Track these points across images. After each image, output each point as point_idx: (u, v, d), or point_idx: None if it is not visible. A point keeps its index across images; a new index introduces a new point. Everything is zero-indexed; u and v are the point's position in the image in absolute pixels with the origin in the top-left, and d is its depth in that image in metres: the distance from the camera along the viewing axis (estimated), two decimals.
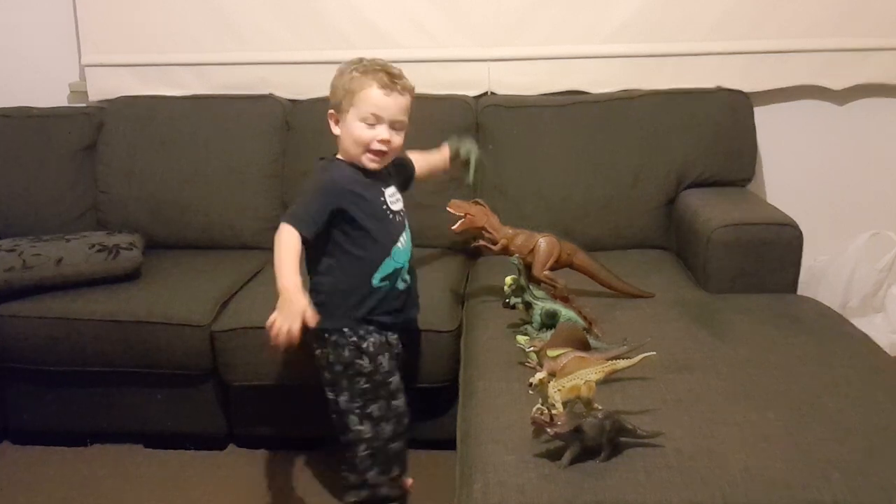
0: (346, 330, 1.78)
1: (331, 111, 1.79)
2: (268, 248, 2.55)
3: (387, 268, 1.79)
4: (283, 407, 2.23)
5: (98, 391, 2.28)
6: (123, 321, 2.15)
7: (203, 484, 2.16)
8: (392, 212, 1.81)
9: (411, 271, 1.88)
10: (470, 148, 2.04)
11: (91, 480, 2.19)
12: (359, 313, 1.78)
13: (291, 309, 1.59)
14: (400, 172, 1.92)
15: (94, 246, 2.29)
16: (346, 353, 1.78)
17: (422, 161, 2.00)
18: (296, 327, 1.57)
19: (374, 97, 1.71)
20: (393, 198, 1.83)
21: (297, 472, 2.18)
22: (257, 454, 2.28)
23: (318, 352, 1.83)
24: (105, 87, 2.84)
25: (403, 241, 1.83)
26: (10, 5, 2.87)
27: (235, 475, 2.19)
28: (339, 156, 1.81)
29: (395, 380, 1.83)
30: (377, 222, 1.77)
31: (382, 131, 1.73)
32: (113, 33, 2.80)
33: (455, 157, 2.04)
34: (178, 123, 2.69)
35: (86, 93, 2.87)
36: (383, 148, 1.74)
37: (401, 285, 1.83)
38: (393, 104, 1.73)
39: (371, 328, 1.79)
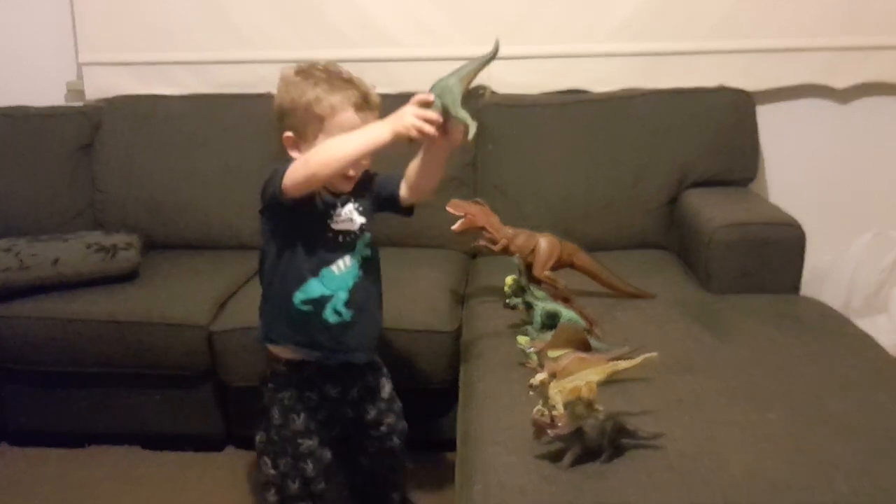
0: (269, 372, 1.65)
1: (288, 134, 1.54)
2: None
3: (311, 290, 1.55)
4: None
5: (96, 392, 2.27)
6: (121, 321, 2.15)
7: (201, 485, 2.15)
8: (334, 231, 1.57)
9: (361, 308, 1.60)
10: (451, 97, 1.46)
11: (89, 481, 2.18)
12: (279, 330, 1.61)
13: (399, 113, 1.41)
14: (379, 189, 1.66)
15: (91, 246, 2.28)
16: (266, 395, 1.66)
17: (412, 167, 1.63)
18: (414, 114, 1.40)
19: (349, 122, 1.49)
20: (346, 215, 1.59)
21: None
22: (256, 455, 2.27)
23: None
24: (103, 85, 2.83)
25: (342, 266, 1.58)
26: (8, 4, 2.87)
27: (234, 476, 2.18)
28: None
29: (309, 444, 1.65)
30: (309, 234, 1.56)
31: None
32: (111, 32, 2.79)
33: (446, 118, 1.48)
34: (176, 122, 2.68)
35: (83, 91, 2.87)
36: (353, 173, 1.55)
37: (331, 317, 1.57)
38: (367, 123, 1.49)
39: (292, 379, 1.62)
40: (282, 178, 1.45)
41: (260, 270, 1.64)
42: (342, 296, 1.57)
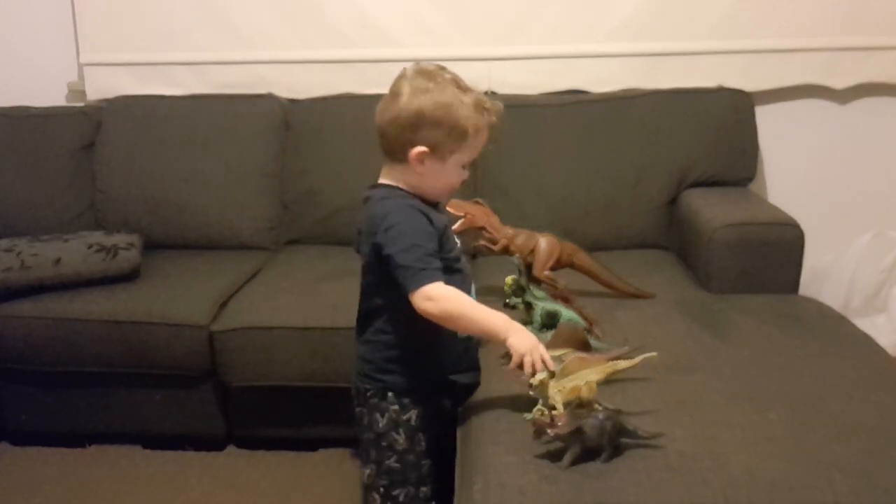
0: (389, 395, 1.51)
1: (423, 149, 1.41)
2: (266, 248, 2.60)
3: None
4: (282, 408, 2.23)
5: (96, 392, 2.27)
6: (122, 321, 2.15)
7: (202, 485, 2.15)
8: (458, 259, 1.55)
9: None
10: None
11: (89, 481, 2.18)
12: (433, 374, 1.54)
13: (526, 335, 1.37)
14: None
15: (92, 246, 2.28)
16: (383, 421, 1.52)
17: None
18: (539, 350, 1.36)
19: (482, 141, 1.46)
20: (454, 241, 1.56)
21: (295, 473, 2.18)
22: (256, 455, 2.27)
23: (357, 410, 1.58)
24: (103, 86, 2.84)
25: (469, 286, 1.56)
26: (9, 5, 2.87)
27: (234, 476, 2.19)
28: (401, 185, 1.48)
29: (429, 464, 1.55)
30: (460, 261, 1.53)
31: (466, 172, 1.50)
32: (111, 32, 2.80)
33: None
34: (176, 123, 2.68)
35: (84, 92, 2.87)
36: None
37: (475, 336, 1.57)
38: None
39: (410, 400, 1.52)
40: (414, 287, 1.37)
41: (366, 312, 1.54)
42: None
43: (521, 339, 1.36)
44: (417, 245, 1.39)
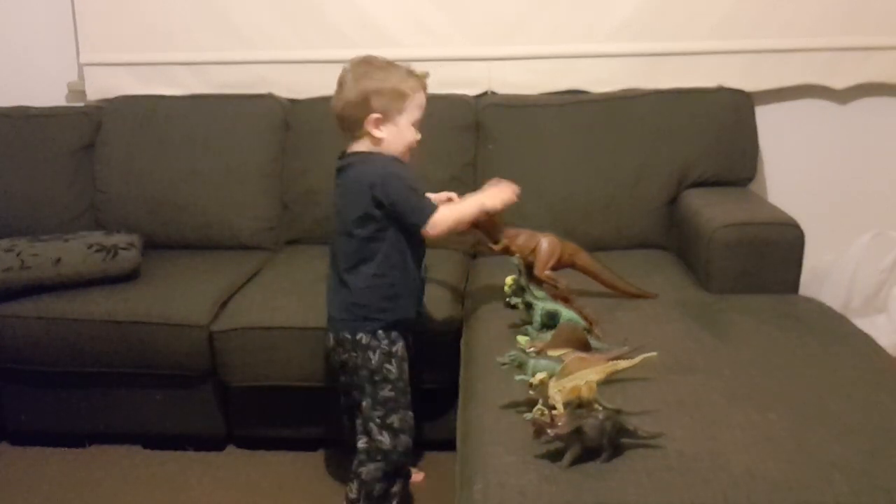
0: (380, 332, 1.77)
1: (376, 115, 1.73)
2: (266, 248, 2.60)
3: (422, 254, 1.84)
4: (282, 408, 2.23)
5: (97, 392, 2.27)
6: (122, 321, 2.15)
7: (202, 485, 2.16)
8: None
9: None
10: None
11: (89, 481, 2.18)
12: (414, 308, 1.83)
13: (493, 191, 1.82)
14: None
15: (92, 246, 2.28)
16: (376, 357, 1.78)
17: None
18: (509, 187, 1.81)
19: (422, 102, 1.77)
20: None
21: (296, 472, 2.18)
22: (256, 455, 2.28)
23: (343, 358, 1.82)
24: (103, 86, 2.84)
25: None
26: (9, 4, 2.87)
27: (234, 476, 2.19)
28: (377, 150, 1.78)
29: (410, 391, 1.84)
30: None
31: (418, 132, 1.80)
32: (111, 32, 2.80)
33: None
34: (176, 123, 2.68)
35: (84, 92, 2.87)
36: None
37: (424, 274, 1.88)
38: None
39: (396, 333, 1.80)
40: (425, 221, 1.72)
41: (367, 263, 1.76)
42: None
43: (493, 197, 1.81)
44: (412, 188, 1.73)
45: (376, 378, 1.78)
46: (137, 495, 2.12)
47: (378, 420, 1.79)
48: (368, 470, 1.80)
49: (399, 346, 1.80)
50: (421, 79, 1.77)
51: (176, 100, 2.76)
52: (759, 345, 1.75)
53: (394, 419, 1.79)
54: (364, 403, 1.80)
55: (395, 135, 1.75)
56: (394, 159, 1.76)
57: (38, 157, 2.66)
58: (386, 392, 1.78)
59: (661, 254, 2.47)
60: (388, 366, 1.78)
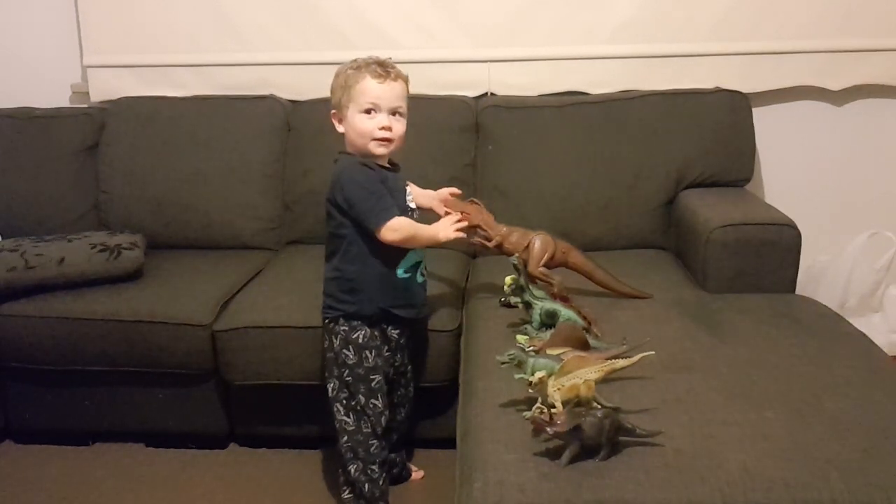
0: (341, 319, 1.84)
1: (333, 111, 1.84)
2: (268, 248, 2.61)
3: (409, 259, 1.84)
4: (284, 406, 2.24)
5: (100, 390, 2.29)
6: (125, 321, 2.16)
7: (204, 483, 2.16)
8: (411, 209, 1.88)
9: (425, 266, 1.94)
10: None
11: (92, 479, 2.19)
12: (381, 304, 1.83)
13: (440, 225, 1.83)
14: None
15: (95, 246, 2.30)
16: (336, 342, 1.84)
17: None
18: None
19: (369, 87, 1.77)
20: (409, 196, 1.89)
21: (297, 471, 2.19)
22: (258, 453, 2.29)
23: (325, 343, 1.89)
24: (107, 87, 2.85)
25: None
26: (12, 6, 2.88)
27: (236, 474, 2.20)
28: (347, 150, 1.85)
29: (378, 379, 1.86)
30: (403, 214, 1.82)
31: (382, 119, 1.78)
32: (114, 34, 2.81)
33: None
34: (179, 124, 2.69)
35: (87, 93, 2.88)
36: (386, 134, 1.79)
37: (419, 278, 1.89)
38: (388, 91, 1.78)
39: (359, 322, 1.83)
40: (377, 225, 1.74)
41: (334, 256, 1.84)
42: (423, 261, 1.89)
43: (446, 230, 1.82)
44: (369, 191, 1.76)
45: (338, 361, 1.85)
46: (140, 493, 2.13)
47: (343, 401, 1.85)
48: (354, 468, 1.86)
49: (360, 335, 1.83)
50: (368, 66, 1.78)
51: (178, 101, 2.77)
52: (756, 344, 1.75)
53: (358, 402, 1.84)
54: (329, 386, 1.87)
55: (350, 127, 1.80)
56: (355, 161, 1.80)
57: (42, 157, 2.67)
58: (345, 377, 1.84)
59: (658, 254, 2.49)
60: (346, 351, 1.83)
